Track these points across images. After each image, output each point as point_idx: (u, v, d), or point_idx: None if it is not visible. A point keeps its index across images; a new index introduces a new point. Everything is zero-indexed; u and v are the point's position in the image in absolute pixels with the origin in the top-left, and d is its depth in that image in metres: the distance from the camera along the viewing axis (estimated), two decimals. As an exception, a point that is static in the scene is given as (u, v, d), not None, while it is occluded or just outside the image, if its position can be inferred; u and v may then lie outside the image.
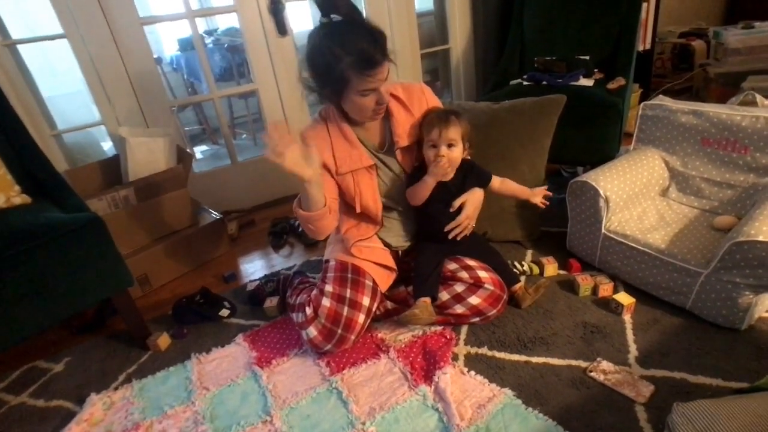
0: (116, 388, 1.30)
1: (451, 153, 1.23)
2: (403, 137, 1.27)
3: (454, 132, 1.22)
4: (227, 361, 1.34)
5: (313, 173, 1.09)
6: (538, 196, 1.37)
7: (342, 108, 1.22)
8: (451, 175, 1.27)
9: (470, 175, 1.31)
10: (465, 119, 1.26)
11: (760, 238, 1.05)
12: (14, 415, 1.26)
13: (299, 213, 1.19)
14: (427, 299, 1.28)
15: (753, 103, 1.53)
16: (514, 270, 1.49)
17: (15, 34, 1.83)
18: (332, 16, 1.09)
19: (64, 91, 3.03)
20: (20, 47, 1.86)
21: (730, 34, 2.55)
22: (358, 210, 1.30)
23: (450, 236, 1.30)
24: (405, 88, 1.31)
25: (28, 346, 1.53)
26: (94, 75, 1.90)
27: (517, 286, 1.37)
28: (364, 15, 2.26)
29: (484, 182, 1.33)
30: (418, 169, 1.31)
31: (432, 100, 1.33)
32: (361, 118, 1.22)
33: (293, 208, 1.21)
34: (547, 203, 1.39)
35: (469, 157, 1.32)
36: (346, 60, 1.07)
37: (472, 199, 1.30)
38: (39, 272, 1.20)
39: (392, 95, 1.27)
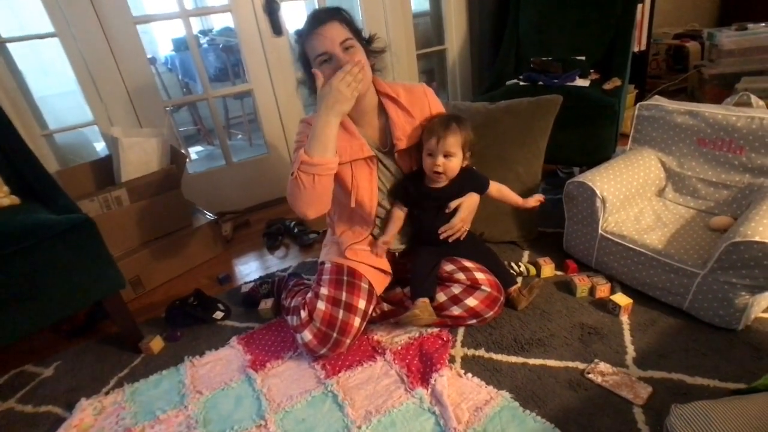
0: (107, 393, 1.28)
1: (448, 163, 1.22)
2: (402, 139, 1.25)
3: (453, 142, 1.20)
4: (221, 365, 1.32)
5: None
6: (530, 202, 1.36)
7: None
8: (444, 183, 1.26)
9: (468, 181, 1.29)
10: (467, 126, 1.24)
11: (756, 239, 1.05)
12: (1, 421, 1.24)
13: (308, 160, 1.08)
14: (426, 300, 1.27)
15: (748, 104, 1.54)
16: (511, 271, 1.48)
17: (4, 32, 1.80)
18: None
19: (55, 90, 2.99)
20: (10, 45, 1.83)
21: (724, 36, 2.56)
22: (352, 204, 1.27)
23: (441, 237, 1.29)
24: (407, 89, 1.29)
25: (16, 350, 1.51)
26: (86, 74, 1.88)
27: (513, 287, 1.36)
28: (360, 17, 2.24)
29: (481, 189, 1.32)
30: (415, 173, 1.30)
31: (434, 103, 1.31)
32: None
33: (295, 159, 1.11)
34: (537, 205, 1.37)
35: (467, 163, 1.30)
36: (302, 34, 1.15)
37: (468, 203, 1.29)
38: (28, 275, 1.17)
39: (389, 96, 1.25)
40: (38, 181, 1.46)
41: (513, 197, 1.37)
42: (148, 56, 2.10)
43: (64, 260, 1.22)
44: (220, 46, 3.24)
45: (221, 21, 3.56)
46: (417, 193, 1.28)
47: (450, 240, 1.30)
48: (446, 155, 1.21)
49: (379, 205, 1.32)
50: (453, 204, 1.27)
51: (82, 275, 1.27)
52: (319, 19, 1.12)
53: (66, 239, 1.21)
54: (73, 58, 1.84)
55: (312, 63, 1.15)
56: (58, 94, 2.99)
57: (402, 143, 1.25)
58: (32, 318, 1.21)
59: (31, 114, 1.88)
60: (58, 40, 1.80)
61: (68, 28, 1.79)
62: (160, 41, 3.92)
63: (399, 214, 1.32)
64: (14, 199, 1.39)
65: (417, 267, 1.31)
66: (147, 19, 2.18)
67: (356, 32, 1.16)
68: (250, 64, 2.16)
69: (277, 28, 2.12)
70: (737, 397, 0.83)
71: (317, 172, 1.10)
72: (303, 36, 1.15)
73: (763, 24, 2.56)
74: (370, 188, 1.27)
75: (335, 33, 1.10)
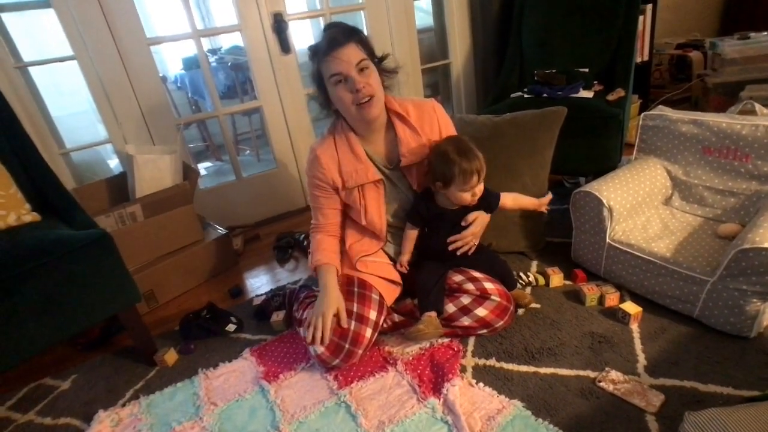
0: (124, 405, 1.30)
1: (481, 186, 1.27)
2: (407, 156, 1.28)
3: (483, 166, 1.24)
4: (235, 376, 1.33)
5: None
6: (544, 204, 1.40)
7: (347, 121, 1.24)
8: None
9: (481, 199, 1.30)
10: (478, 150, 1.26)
11: (765, 245, 1.05)
12: (22, 434, 1.26)
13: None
14: (433, 313, 1.28)
15: (752, 112, 1.55)
16: (519, 282, 1.49)
17: (26, 56, 1.87)
18: None
19: (71, 110, 3.08)
20: (30, 69, 1.90)
21: (727, 45, 2.58)
22: (363, 223, 1.32)
23: (450, 248, 1.31)
24: (416, 106, 1.32)
25: (34, 363, 1.53)
26: (102, 95, 1.94)
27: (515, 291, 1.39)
28: (365, 32, 2.29)
29: (492, 206, 1.33)
30: (425, 193, 1.32)
31: (443, 119, 1.34)
32: (350, 117, 1.24)
33: (309, 264, 1.38)
34: (547, 209, 1.43)
35: None
36: (318, 52, 1.17)
37: (481, 219, 1.32)
38: (48, 289, 1.20)
39: (398, 114, 1.28)
40: (58, 198, 1.50)
41: (527, 201, 1.41)
42: (159, 75, 2.17)
43: (82, 275, 1.25)
44: (229, 64, 3.33)
45: (230, 40, 3.65)
46: (429, 214, 1.31)
47: (458, 253, 1.32)
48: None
49: (389, 223, 1.35)
50: (470, 217, 1.30)
51: (100, 289, 1.30)
52: (336, 41, 1.13)
53: (85, 254, 1.25)
54: (90, 80, 1.91)
55: (326, 81, 1.18)
56: (71, 114, 3.08)
57: (408, 160, 1.28)
58: (51, 331, 1.24)
59: (50, 133, 1.94)
60: (76, 62, 1.87)
61: (86, 51, 1.86)
62: (169, 61, 4.02)
63: (413, 234, 1.36)
64: (35, 216, 1.43)
65: (422, 281, 1.33)
66: (160, 41, 2.24)
67: (371, 53, 1.19)
68: (259, 81, 2.21)
69: (285, 47, 2.18)
70: (752, 405, 0.83)
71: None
72: (319, 55, 1.17)
73: (765, 32, 2.58)
74: (378, 208, 1.31)
75: (352, 55, 1.14)
